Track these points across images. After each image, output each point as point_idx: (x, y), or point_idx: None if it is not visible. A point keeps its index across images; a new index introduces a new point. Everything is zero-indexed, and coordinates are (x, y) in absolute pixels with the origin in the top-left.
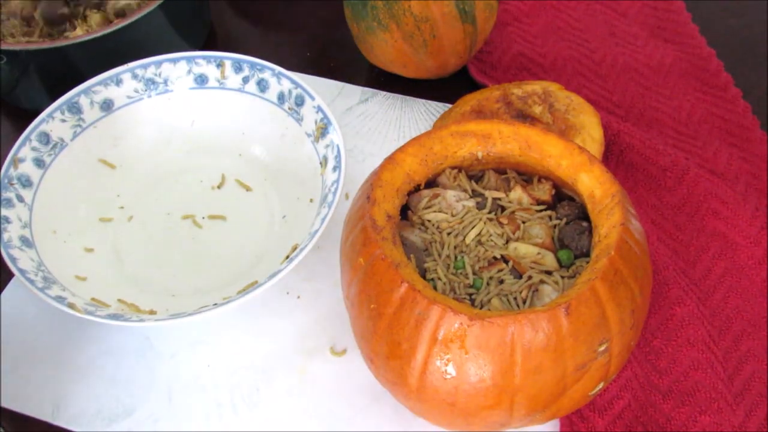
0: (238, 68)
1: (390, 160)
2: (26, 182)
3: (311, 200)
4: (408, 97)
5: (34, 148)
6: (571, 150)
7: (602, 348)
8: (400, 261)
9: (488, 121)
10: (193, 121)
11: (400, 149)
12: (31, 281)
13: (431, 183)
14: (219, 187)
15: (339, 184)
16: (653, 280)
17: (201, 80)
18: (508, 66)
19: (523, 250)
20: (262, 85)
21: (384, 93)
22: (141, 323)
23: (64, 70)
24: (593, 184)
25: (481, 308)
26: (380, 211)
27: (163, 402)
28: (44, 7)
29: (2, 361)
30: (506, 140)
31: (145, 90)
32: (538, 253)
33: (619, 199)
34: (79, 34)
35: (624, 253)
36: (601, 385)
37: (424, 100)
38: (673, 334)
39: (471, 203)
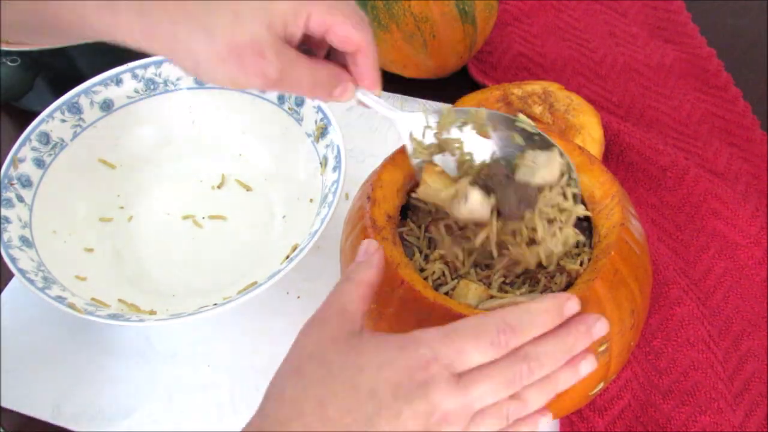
0: None
1: (390, 160)
2: (26, 182)
3: (311, 200)
4: (408, 97)
5: (34, 148)
6: (571, 150)
7: (602, 348)
8: (400, 261)
9: None
10: (193, 121)
11: (401, 149)
12: (31, 281)
13: None
14: (219, 187)
15: (339, 184)
16: (653, 280)
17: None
18: (508, 66)
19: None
20: None
21: (384, 93)
22: (141, 323)
23: (65, 71)
24: (593, 184)
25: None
26: (380, 211)
27: (163, 402)
28: None
29: (2, 361)
30: None
31: (145, 90)
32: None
33: (619, 199)
34: None
35: (624, 253)
36: (601, 385)
37: (424, 100)
38: (673, 334)
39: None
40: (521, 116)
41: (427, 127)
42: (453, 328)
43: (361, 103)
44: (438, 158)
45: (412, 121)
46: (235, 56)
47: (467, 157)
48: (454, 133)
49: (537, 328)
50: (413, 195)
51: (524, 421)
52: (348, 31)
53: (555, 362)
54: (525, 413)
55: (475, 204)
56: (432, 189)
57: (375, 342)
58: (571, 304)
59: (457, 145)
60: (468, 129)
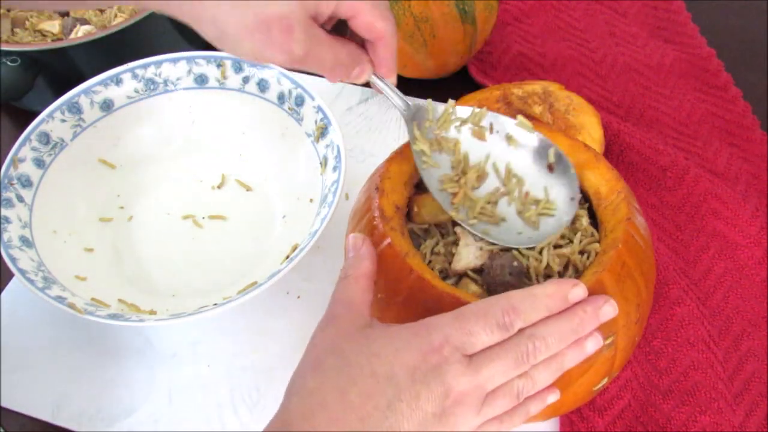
0: (238, 68)
1: (398, 153)
2: (26, 182)
3: (311, 200)
4: (408, 98)
5: (34, 148)
6: (577, 148)
7: (608, 341)
8: (408, 251)
9: None
10: (193, 121)
11: (408, 143)
12: (31, 281)
13: None
14: (219, 187)
15: (339, 184)
16: None
17: (201, 80)
18: (508, 66)
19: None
20: (263, 85)
21: None
22: (141, 323)
23: (65, 71)
24: (599, 181)
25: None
26: (389, 201)
27: (163, 402)
28: None
29: (2, 361)
30: None
31: (145, 90)
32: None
33: (625, 195)
34: (80, 35)
35: (630, 246)
36: (605, 381)
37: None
38: (673, 334)
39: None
40: (520, 117)
41: (429, 121)
42: (461, 312)
43: (374, 87)
44: (435, 156)
45: (418, 113)
46: (263, 29)
47: (463, 158)
48: (452, 132)
49: (541, 311)
50: (410, 224)
51: (533, 398)
52: (374, 18)
53: (561, 342)
54: (534, 390)
55: (469, 258)
56: (428, 215)
57: (388, 331)
58: (577, 290)
59: (452, 145)
60: (466, 129)
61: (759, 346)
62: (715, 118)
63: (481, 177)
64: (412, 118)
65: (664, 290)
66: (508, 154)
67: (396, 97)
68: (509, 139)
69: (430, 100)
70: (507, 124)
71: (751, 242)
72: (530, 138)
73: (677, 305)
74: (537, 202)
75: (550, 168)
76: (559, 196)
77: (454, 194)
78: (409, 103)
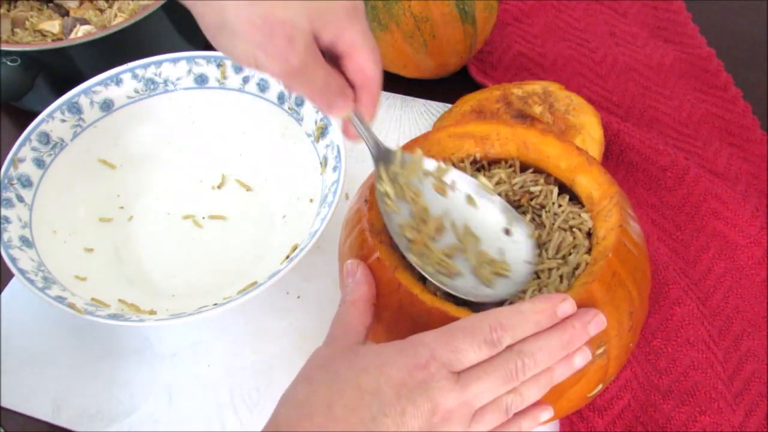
0: (238, 68)
1: None
2: (26, 182)
3: (311, 200)
4: (408, 97)
5: (34, 148)
6: (570, 151)
7: (600, 351)
8: (397, 264)
9: (487, 122)
10: (193, 121)
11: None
12: (31, 281)
13: None
14: (219, 187)
15: (339, 184)
16: (653, 280)
17: (201, 80)
18: (508, 66)
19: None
20: (263, 85)
21: (384, 93)
22: (141, 323)
23: (65, 71)
24: (591, 185)
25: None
26: (377, 214)
27: (163, 402)
28: None
29: (2, 361)
30: (504, 142)
31: (145, 90)
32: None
33: (617, 200)
34: (80, 35)
35: (622, 255)
36: (599, 387)
37: (424, 100)
38: (673, 334)
39: None
40: (482, 179)
41: (395, 166)
42: (448, 328)
43: (351, 122)
44: (397, 201)
45: (386, 156)
46: (266, 29)
47: (423, 209)
48: (415, 182)
49: (529, 327)
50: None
51: (524, 415)
52: (368, 63)
53: (550, 358)
54: (523, 405)
55: None
56: None
57: (377, 348)
58: (565, 305)
59: (414, 195)
60: (428, 182)
61: (759, 346)
62: (715, 118)
63: (440, 230)
64: (381, 159)
65: (664, 290)
66: (467, 213)
67: (370, 137)
68: (469, 199)
69: (399, 147)
70: (469, 184)
71: (751, 242)
72: (490, 200)
73: (677, 305)
74: (492, 262)
75: (507, 232)
76: (515, 258)
77: (412, 241)
78: (381, 145)
